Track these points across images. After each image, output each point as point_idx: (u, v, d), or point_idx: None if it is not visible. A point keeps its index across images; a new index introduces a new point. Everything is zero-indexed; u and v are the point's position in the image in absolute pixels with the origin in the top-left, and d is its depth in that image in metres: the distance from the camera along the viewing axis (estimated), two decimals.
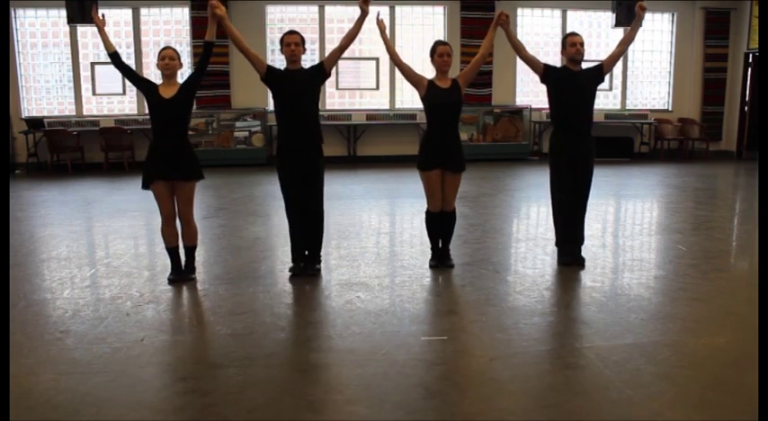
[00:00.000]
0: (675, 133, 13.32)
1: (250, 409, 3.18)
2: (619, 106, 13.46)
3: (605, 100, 13.40)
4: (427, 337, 4.12)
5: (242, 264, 5.66)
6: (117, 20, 11.98)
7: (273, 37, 12.29)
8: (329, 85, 12.60)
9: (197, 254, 5.87)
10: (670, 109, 13.66)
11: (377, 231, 7.29)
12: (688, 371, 3.59)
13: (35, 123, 11.63)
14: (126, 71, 5.00)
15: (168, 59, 4.91)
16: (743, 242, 6.76)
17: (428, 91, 5.26)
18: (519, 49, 5.41)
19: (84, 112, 12.20)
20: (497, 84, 12.75)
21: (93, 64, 11.95)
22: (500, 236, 6.90)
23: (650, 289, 5.03)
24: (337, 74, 12.38)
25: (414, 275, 5.33)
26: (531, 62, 5.43)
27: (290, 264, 5.36)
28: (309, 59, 12.33)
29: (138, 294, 4.87)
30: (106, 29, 5.07)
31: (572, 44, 5.34)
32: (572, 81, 5.35)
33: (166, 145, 4.92)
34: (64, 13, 11.21)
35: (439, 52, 5.24)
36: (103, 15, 5.19)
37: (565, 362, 3.71)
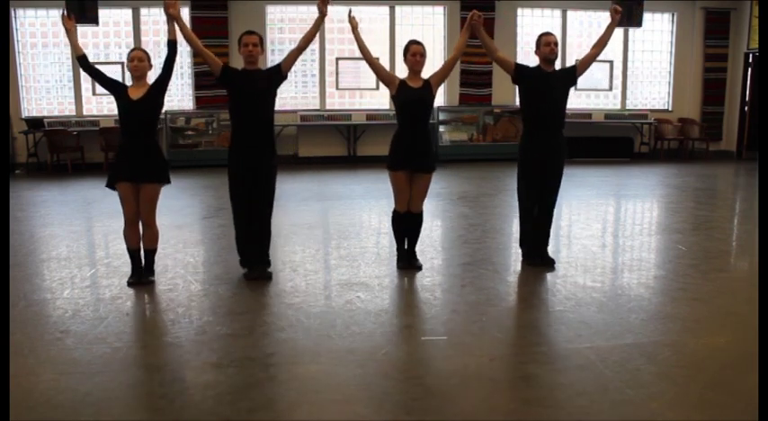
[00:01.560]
0: (675, 133, 13.31)
1: (250, 409, 3.18)
2: (619, 106, 13.44)
3: (605, 100, 13.38)
4: (427, 337, 4.12)
5: None
6: (117, 20, 11.97)
7: (273, 37, 12.31)
8: (329, 85, 12.63)
9: (197, 253, 5.87)
10: (670, 109, 13.65)
11: (377, 231, 7.28)
12: (688, 371, 3.59)
13: (35, 123, 11.63)
14: (94, 73, 5.01)
15: (137, 61, 4.91)
16: (743, 242, 6.76)
17: (399, 90, 5.23)
18: (491, 51, 5.38)
19: (84, 112, 12.20)
20: (497, 84, 12.73)
21: (93, 64, 11.92)
22: (500, 236, 6.90)
23: (650, 289, 5.03)
24: (337, 74, 12.37)
25: (414, 275, 5.33)
26: (504, 62, 5.40)
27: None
28: (309, 59, 12.36)
29: (138, 294, 4.87)
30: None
31: (546, 44, 5.31)
32: (544, 81, 5.32)
33: (134, 146, 4.89)
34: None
35: (412, 52, 5.22)
36: (73, 17, 5.19)
37: (565, 363, 3.71)
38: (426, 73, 5.33)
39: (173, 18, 4.93)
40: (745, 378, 3.42)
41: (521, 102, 5.47)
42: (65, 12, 5.27)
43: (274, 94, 5.14)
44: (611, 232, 7.25)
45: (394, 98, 5.29)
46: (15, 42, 11.85)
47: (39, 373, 3.55)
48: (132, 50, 4.99)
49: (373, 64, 5.33)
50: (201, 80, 12.00)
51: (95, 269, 5.61)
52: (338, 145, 12.50)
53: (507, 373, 3.60)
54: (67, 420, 3.08)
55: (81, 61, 5.02)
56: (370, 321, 4.31)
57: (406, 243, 5.46)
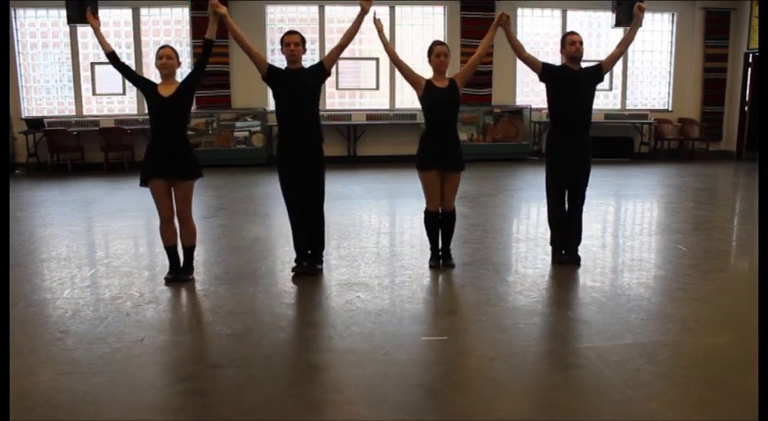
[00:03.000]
0: (675, 133, 13.31)
1: (250, 409, 3.18)
2: (619, 106, 13.45)
3: (605, 100, 13.39)
4: (427, 337, 4.12)
5: (242, 264, 5.66)
6: (117, 20, 11.98)
7: (273, 37, 12.29)
8: (329, 85, 12.60)
9: (197, 254, 5.87)
10: (670, 109, 13.65)
11: (377, 231, 7.29)
12: (688, 371, 3.59)
13: (35, 123, 11.63)
14: (125, 70, 5.00)
15: (166, 59, 4.91)
16: (743, 242, 6.76)
17: (426, 91, 5.28)
18: (519, 50, 5.41)
19: (85, 112, 12.20)
20: (497, 84, 12.75)
21: (93, 64, 11.95)
22: (500, 236, 6.90)
23: (650, 289, 5.03)
24: (337, 74, 12.38)
25: (414, 275, 5.33)
26: (530, 62, 5.43)
27: (292, 264, 5.36)
28: (309, 59, 12.31)
29: (138, 294, 4.87)
30: (104, 29, 5.06)
31: (571, 43, 5.35)
32: (571, 79, 5.36)
33: (165, 143, 4.92)
34: (64, 13, 11.18)
35: (436, 52, 5.25)
36: (96, 15, 5.19)
37: (565, 362, 3.71)
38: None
39: (221, 17, 4.91)
40: (745, 378, 3.41)
41: (548, 101, 5.51)
42: (89, 9, 5.27)
43: (319, 91, 5.22)
44: (612, 232, 7.25)
45: (421, 99, 5.32)
46: (15, 42, 11.85)
47: (39, 373, 3.54)
48: (161, 48, 4.97)
49: (400, 65, 5.36)
50: (202, 80, 11.97)
51: (95, 269, 5.61)
52: (338, 145, 12.51)
53: (507, 373, 3.60)
54: (67, 420, 3.08)
55: (111, 58, 5.00)
56: (370, 321, 4.31)
57: (440, 242, 5.51)
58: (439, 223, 5.46)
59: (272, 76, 5.12)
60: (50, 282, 5.26)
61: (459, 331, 4.23)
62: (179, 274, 5.14)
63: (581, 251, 5.68)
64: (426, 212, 5.46)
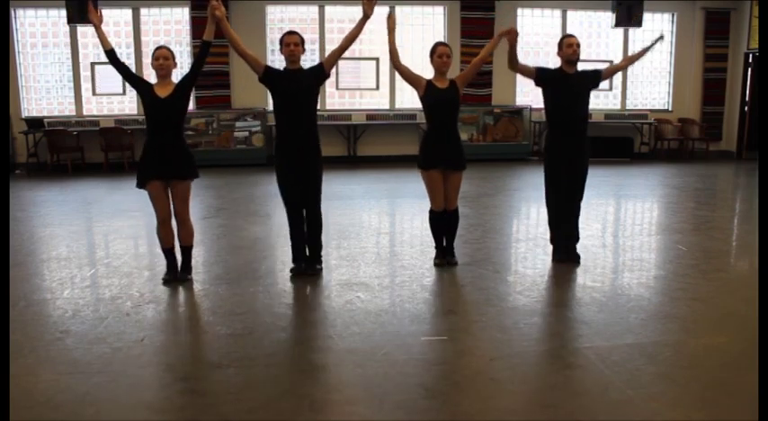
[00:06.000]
0: (675, 133, 13.31)
1: (250, 409, 3.18)
2: (619, 106, 13.44)
3: (605, 100, 13.39)
4: (427, 337, 4.12)
5: (242, 264, 5.66)
6: (117, 20, 11.97)
7: (273, 37, 12.28)
8: (329, 85, 12.59)
9: (197, 254, 5.87)
10: (670, 109, 13.64)
11: (377, 231, 7.28)
12: (688, 372, 3.59)
13: (35, 123, 11.62)
14: (123, 69, 4.98)
15: (162, 59, 4.91)
16: (743, 242, 6.76)
17: (426, 91, 5.31)
18: (515, 63, 5.45)
19: (85, 112, 12.19)
20: (497, 84, 12.73)
21: (93, 64, 11.93)
22: (500, 236, 6.90)
23: (650, 289, 5.03)
24: (337, 74, 12.35)
25: (414, 275, 5.33)
26: (524, 71, 5.52)
27: (291, 265, 5.36)
28: (309, 60, 12.33)
29: (138, 294, 4.87)
30: (104, 29, 5.04)
31: (568, 45, 5.40)
32: (566, 82, 5.40)
33: (162, 144, 4.91)
34: (64, 13, 11.21)
35: (438, 53, 5.29)
36: (100, 10, 5.14)
37: (565, 362, 3.72)
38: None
39: (218, 20, 4.90)
40: (745, 377, 3.42)
41: (544, 104, 5.56)
42: (90, 4, 5.18)
43: (317, 93, 5.21)
44: (611, 232, 7.25)
45: (422, 99, 5.36)
46: (15, 42, 11.84)
47: (39, 373, 3.55)
48: (157, 49, 4.97)
49: (400, 67, 5.36)
50: (202, 80, 11.98)
51: (95, 269, 5.61)
52: (338, 145, 12.51)
53: (507, 373, 3.60)
54: (67, 420, 3.08)
55: (109, 55, 4.98)
56: (370, 321, 4.31)
57: (444, 240, 5.54)
58: (445, 222, 5.48)
59: (269, 76, 5.11)
60: (50, 282, 5.26)
61: (460, 331, 4.23)
62: (177, 275, 5.13)
63: (581, 251, 5.69)
64: (431, 212, 5.49)
